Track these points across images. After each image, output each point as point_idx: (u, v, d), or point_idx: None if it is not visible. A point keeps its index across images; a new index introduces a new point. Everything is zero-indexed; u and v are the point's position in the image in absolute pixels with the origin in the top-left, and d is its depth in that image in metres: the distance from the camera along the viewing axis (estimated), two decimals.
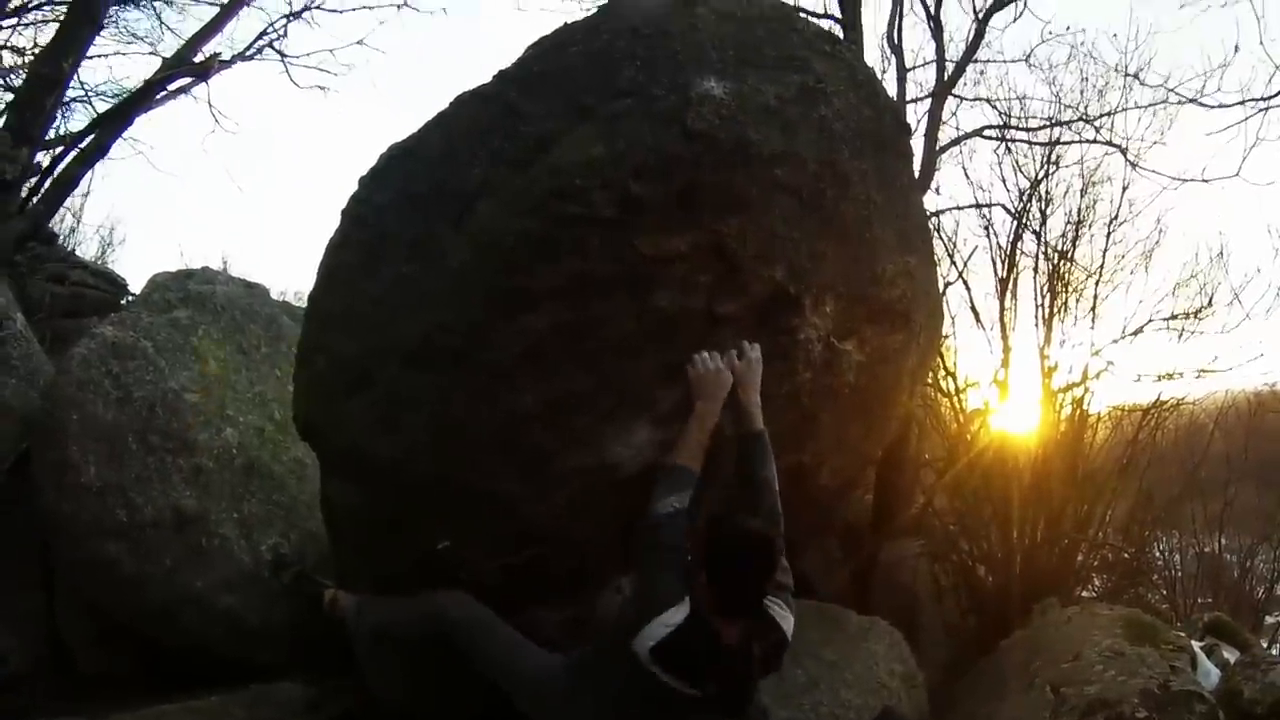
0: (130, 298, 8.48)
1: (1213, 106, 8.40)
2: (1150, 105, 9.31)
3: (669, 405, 2.98)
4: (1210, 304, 9.38)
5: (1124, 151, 9.30)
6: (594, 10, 3.33)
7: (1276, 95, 7.95)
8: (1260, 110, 8.00)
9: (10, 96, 9.15)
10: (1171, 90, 8.88)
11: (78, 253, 11.04)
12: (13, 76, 9.70)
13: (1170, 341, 9.56)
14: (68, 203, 10.12)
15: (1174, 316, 9.51)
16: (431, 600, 3.33)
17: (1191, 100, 8.62)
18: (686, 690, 2.66)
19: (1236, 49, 8.16)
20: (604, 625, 3.38)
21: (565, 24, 3.25)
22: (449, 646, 3.26)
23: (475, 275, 2.95)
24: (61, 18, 8.92)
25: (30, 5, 9.79)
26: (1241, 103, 8.12)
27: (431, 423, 3.09)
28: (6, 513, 4.84)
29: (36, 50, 9.66)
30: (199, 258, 16.67)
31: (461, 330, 2.97)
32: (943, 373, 9.16)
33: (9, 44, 9.81)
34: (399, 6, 11.01)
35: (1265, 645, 8.29)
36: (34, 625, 4.79)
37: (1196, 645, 5.60)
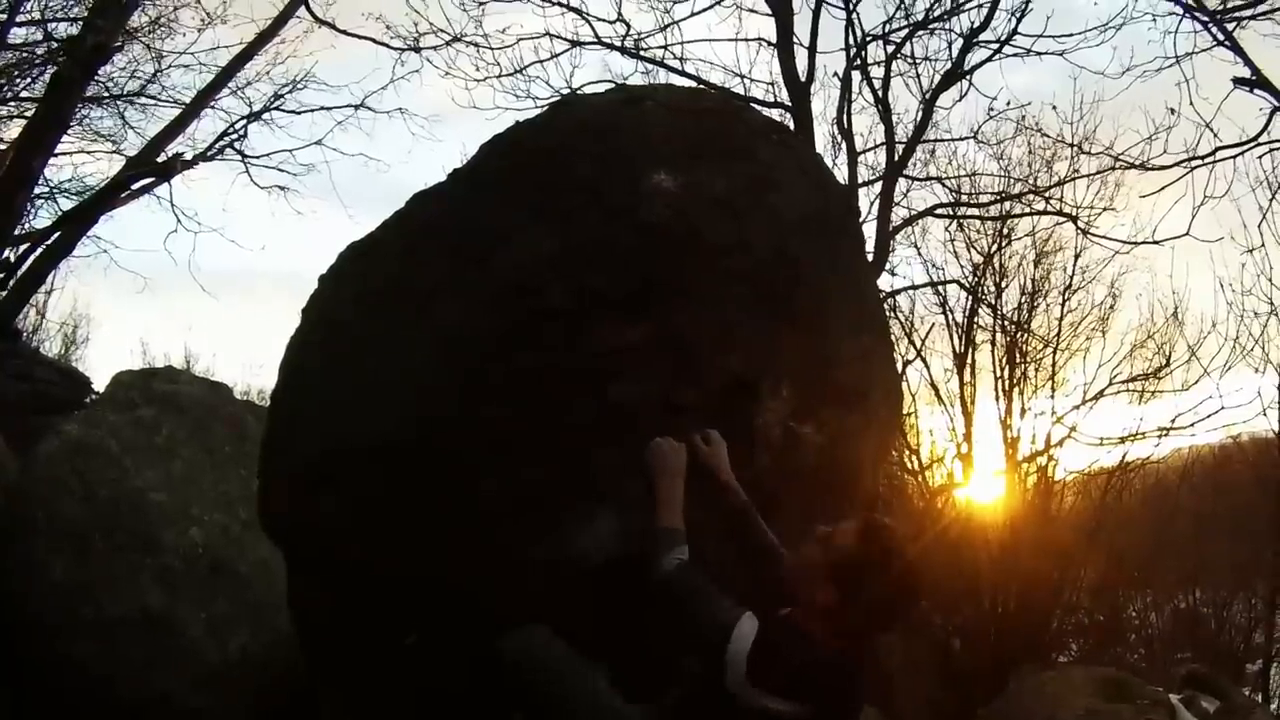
0: (93, 396, 8.45)
1: (1155, 168, 8.63)
2: (1098, 173, 9.60)
3: (632, 495, 2.98)
4: (1168, 363, 9.60)
5: (1074, 220, 9.57)
6: (545, 108, 3.43)
7: (1215, 152, 8.16)
8: (1203, 166, 8.20)
9: None
10: (1117, 157, 9.14)
11: (42, 350, 11.02)
12: None
13: (1131, 403, 9.76)
14: (33, 299, 10.14)
15: (1133, 378, 9.70)
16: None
17: (1136, 165, 8.85)
18: (789, 710, 2.38)
19: (1174, 112, 8.42)
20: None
21: (517, 122, 3.34)
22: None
23: (435, 370, 2.99)
24: (27, 115, 9.03)
25: None
26: (1181, 162, 8.34)
27: (395, 519, 3.07)
28: None
29: None
30: (160, 355, 16.61)
31: (423, 425, 2.99)
32: (906, 450, 9.25)
33: None
34: (355, 108, 11.18)
35: (1246, 693, 8.30)
36: None
37: (1174, 698, 5.64)
